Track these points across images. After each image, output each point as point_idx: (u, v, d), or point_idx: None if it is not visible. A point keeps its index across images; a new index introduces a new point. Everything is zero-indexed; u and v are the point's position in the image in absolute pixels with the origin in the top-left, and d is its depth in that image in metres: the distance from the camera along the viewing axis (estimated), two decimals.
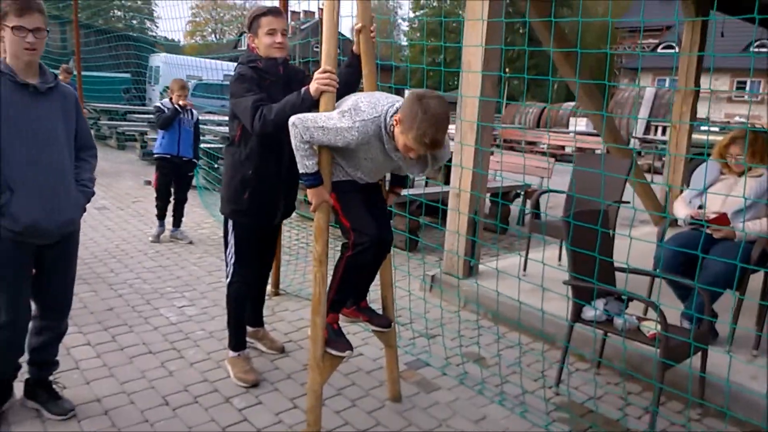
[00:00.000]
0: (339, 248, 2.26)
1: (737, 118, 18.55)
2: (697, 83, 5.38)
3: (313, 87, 2.17)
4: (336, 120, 2.02)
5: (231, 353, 2.73)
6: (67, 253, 2.20)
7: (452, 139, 3.79)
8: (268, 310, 3.56)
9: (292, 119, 2.06)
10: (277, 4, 3.49)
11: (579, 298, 2.60)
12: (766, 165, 2.91)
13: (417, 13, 38.97)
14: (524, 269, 3.94)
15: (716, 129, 11.37)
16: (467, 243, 3.72)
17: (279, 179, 2.55)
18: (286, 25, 2.49)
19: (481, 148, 3.60)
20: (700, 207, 3.08)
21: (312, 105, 2.18)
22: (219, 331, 3.18)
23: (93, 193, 2.23)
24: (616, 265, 2.70)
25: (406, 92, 2.24)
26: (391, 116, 2.00)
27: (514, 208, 6.52)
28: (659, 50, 29.57)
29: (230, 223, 2.63)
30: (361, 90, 2.35)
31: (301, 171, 2.11)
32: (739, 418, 2.37)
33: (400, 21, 42.88)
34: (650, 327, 2.47)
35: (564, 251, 4.17)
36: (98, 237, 5.04)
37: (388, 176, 2.53)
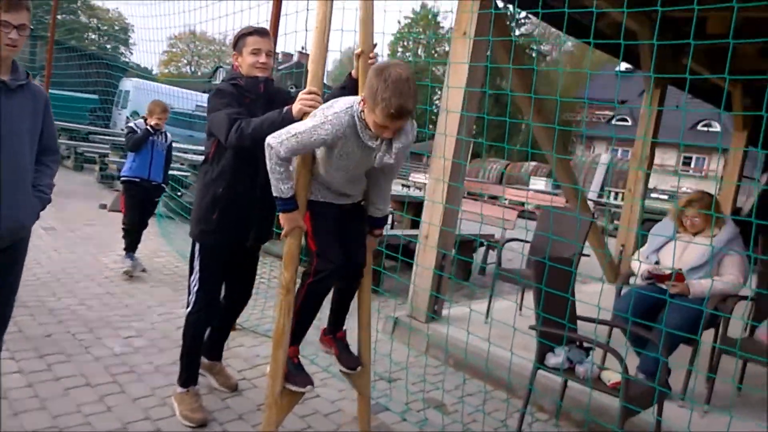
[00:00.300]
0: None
1: (684, 189, 19.77)
2: (652, 152, 5.71)
3: (296, 107, 2.12)
4: (308, 121, 1.97)
5: (179, 389, 2.54)
6: (14, 262, 2.03)
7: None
8: None
9: (268, 140, 2.00)
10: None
11: (545, 341, 2.58)
12: (720, 225, 3.05)
13: None
14: (487, 316, 3.94)
15: (665, 197, 12.03)
16: (434, 280, 3.70)
17: (252, 197, 2.43)
18: (271, 47, 2.47)
19: (460, 186, 3.70)
20: (657, 263, 3.18)
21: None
22: (167, 365, 2.98)
23: (50, 200, 2.09)
24: (579, 314, 2.72)
25: None
26: (359, 101, 1.93)
27: (476, 256, 6.57)
28: (614, 122, 31.69)
29: (197, 246, 2.50)
30: None
31: (275, 194, 2.04)
32: None
33: None
34: (611, 376, 2.47)
35: (525, 301, 4.21)
36: (43, 258, 4.74)
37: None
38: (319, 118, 1.95)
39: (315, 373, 3.05)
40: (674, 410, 2.74)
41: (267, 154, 2.01)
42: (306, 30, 3.23)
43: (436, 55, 36.02)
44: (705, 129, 28.47)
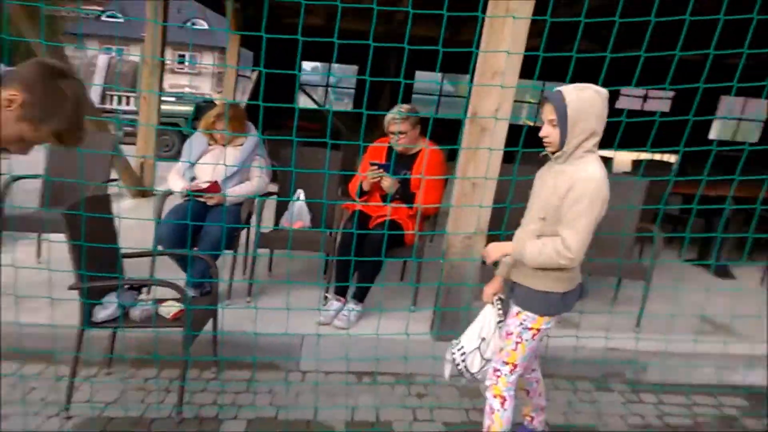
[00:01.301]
0: None
1: (187, 89, 20.61)
2: (162, 55, 5.45)
3: None
4: None
5: None
6: None
7: None
8: None
9: None
10: None
11: (90, 299, 2.17)
12: (246, 134, 3.18)
13: None
14: None
15: (172, 99, 12.02)
16: None
17: None
18: None
19: None
20: (193, 178, 3.15)
21: None
22: None
23: None
24: (127, 251, 2.42)
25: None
26: None
27: None
28: (104, 19, 29.08)
29: None
30: None
31: None
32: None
33: None
34: (169, 310, 2.34)
35: (44, 248, 3.47)
36: None
37: None
38: None
39: None
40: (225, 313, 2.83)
41: None
42: None
43: None
44: (192, 26, 30.34)
